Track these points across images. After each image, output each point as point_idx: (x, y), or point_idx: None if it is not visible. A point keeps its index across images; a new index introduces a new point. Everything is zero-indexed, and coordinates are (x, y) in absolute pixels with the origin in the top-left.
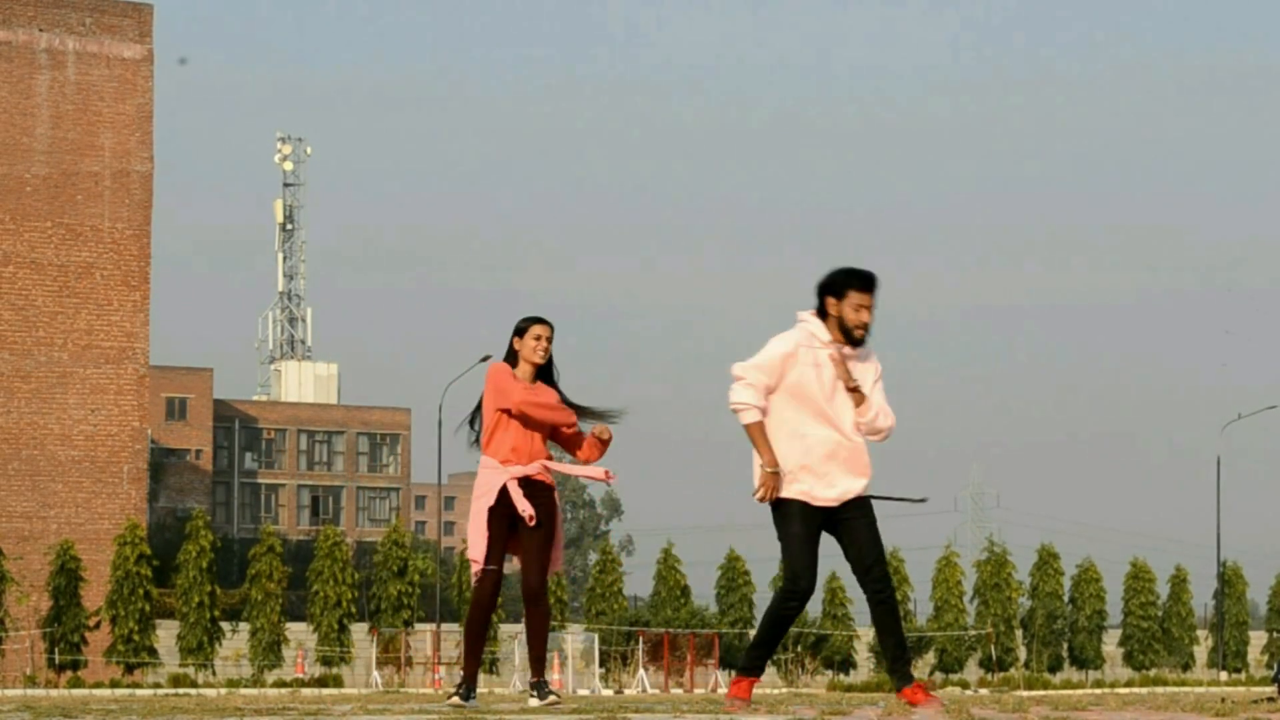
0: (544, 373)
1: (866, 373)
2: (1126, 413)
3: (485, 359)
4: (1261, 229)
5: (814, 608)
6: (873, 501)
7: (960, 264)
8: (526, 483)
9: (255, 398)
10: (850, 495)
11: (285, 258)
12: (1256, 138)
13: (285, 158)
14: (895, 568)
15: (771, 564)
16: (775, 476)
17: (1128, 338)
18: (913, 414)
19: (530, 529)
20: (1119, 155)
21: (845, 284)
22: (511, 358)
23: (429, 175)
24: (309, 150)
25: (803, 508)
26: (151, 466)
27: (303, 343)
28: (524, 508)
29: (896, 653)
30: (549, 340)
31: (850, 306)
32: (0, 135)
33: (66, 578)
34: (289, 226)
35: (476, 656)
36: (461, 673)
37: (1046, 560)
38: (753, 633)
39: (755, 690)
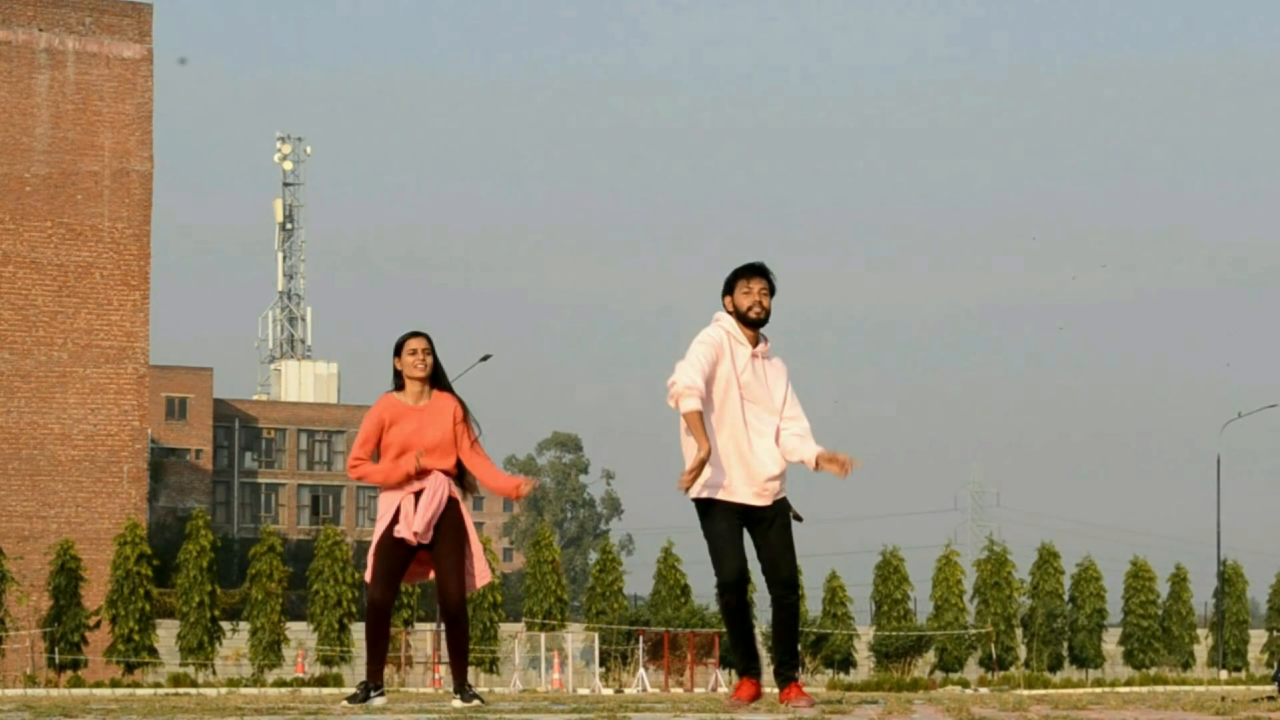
0: (440, 383)
1: (779, 373)
2: (1126, 412)
3: (485, 358)
4: (1261, 229)
5: (814, 607)
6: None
7: (960, 264)
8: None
9: (255, 397)
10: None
11: (285, 257)
12: (1257, 138)
13: (285, 157)
14: (895, 566)
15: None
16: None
17: (1128, 338)
18: (914, 413)
19: (445, 547)
20: (1119, 155)
21: (732, 279)
22: (398, 378)
23: (429, 175)
24: (309, 150)
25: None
26: (151, 466)
27: (303, 342)
28: (407, 528)
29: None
30: (425, 352)
31: (740, 294)
32: (0, 135)
33: (66, 577)
34: (289, 226)
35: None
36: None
37: (1046, 559)
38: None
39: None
